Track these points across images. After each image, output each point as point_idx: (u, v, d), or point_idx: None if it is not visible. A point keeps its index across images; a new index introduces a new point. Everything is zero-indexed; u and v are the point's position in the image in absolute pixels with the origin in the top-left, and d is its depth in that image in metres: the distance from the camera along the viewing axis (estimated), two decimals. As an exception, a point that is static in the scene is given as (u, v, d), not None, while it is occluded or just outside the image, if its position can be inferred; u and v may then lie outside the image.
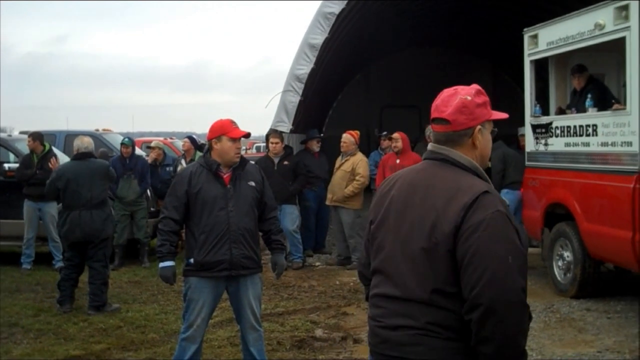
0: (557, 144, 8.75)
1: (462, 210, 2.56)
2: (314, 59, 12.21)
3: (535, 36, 9.15)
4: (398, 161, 10.66)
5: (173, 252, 5.33)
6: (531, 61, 9.29)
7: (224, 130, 5.27)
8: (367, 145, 17.09)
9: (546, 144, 8.96)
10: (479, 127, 2.75)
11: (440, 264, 2.58)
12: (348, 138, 11.06)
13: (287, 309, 8.38)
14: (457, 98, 2.74)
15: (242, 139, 5.42)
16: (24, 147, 11.16)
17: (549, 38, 8.84)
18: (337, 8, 12.21)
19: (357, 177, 10.75)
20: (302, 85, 12.21)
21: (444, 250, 2.57)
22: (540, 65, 9.41)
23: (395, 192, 2.83)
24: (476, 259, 2.51)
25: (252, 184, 5.38)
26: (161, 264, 5.28)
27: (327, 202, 11.17)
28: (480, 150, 2.77)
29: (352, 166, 10.82)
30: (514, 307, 2.50)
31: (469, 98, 2.74)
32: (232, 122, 5.34)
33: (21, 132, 15.17)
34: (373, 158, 12.30)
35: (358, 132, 11.39)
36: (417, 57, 20.95)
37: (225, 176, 5.29)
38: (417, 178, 2.80)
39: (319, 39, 12.21)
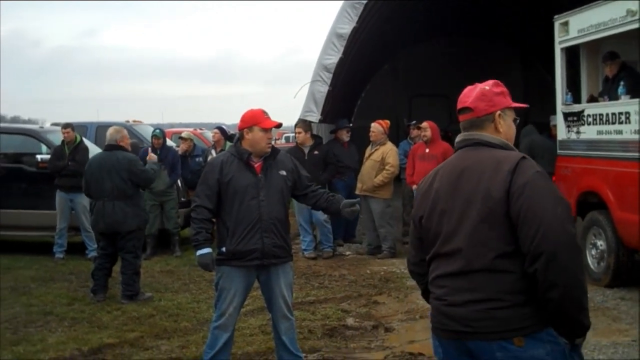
0: (589, 132, 8.66)
1: (508, 175, 2.86)
2: (342, 49, 12.21)
3: (566, 23, 9.05)
4: (427, 150, 10.64)
5: (209, 240, 5.33)
6: (562, 49, 9.19)
7: (256, 120, 5.28)
8: (396, 135, 17.05)
9: (578, 132, 8.88)
10: (499, 112, 3.07)
11: (498, 228, 2.85)
12: (377, 127, 11.04)
13: (318, 297, 8.41)
14: (477, 89, 3.11)
15: (273, 129, 5.44)
16: (56, 139, 11.30)
17: (580, 25, 8.75)
18: (365, -3, 12.18)
19: (386, 167, 10.73)
20: (331, 75, 12.22)
21: (500, 214, 2.85)
22: (572, 53, 9.31)
23: (438, 184, 3.10)
24: (530, 215, 2.79)
25: (284, 173, 5.37)
26: (199, 252, 5.26)
27: (357, 192, 11.15)
28: (504, 134, 3.08)
29: (382, 156, 10.80)
30: (571, 250, 2.80)
31: (487, 88, 3.10)
32: (264, 113, 5.34)
33: (53, 124, 15.34)
34: (402, 147, 12.24)
35: (388, 122, 11.36)
36: (445, 46, 20.85)
37: (256, 165, 5.30)
38: (457, 165, 3.08)
39: (347, 28, 12.20)
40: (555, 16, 9.29)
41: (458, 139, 3.14)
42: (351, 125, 13.19)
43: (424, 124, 10.87)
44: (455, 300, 2.91)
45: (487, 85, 3.11)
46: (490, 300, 2.82)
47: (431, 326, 3.09)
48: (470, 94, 3.10)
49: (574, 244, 2.82)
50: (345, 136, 11.85)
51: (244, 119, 5.34)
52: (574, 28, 8.86)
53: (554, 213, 2.80)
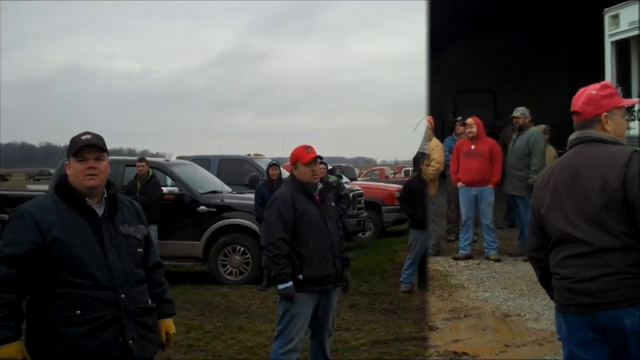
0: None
1: (624, 167, 3.23)
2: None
3: (616, 16, 8.85)
4: (473, 147, 10.46)
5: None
6: (612, 42, 8.99)
7: (297, 157, 5.58)
8: (441, 131, 16.86)
9: (628, 128, 8.67)
10: (605, 114, 3.43)
11: (619, 213, 3.21)
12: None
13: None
14: (585, 94, 3.49)
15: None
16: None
17: (631, 18, 8.55)
18: (411, -8, 12.08)
19: (432, 163, 10.59)
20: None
21: (619, 201, 3.21)
22: (622, 47, 9.10)
23: (557, 178, 3.47)
24: None
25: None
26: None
27: (402, 188, 11.06)
28: (614, 132, 3.43)
29: (428, 152, 10.68)
30: None
31: (594, 92, 3.47)
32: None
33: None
34: (447, 144, 12.03)
35: (432, 118, 11.24)
36: (491, 42, 20.58)
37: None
38: (574, 160, 3.44)
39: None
40: (606, 9, 9.09)
41: (572, 137, 3.49)
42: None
43: (470, 121, 10.69)
44: (584, 276, 3.26)
45: (594, 89, 3.47)
46: (619, 273, 3.18)
47: (556, 305, 3.45)
48: (580, 98, 3.48)
49: None
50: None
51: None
52: (625, 21, 8.67)
53: None
